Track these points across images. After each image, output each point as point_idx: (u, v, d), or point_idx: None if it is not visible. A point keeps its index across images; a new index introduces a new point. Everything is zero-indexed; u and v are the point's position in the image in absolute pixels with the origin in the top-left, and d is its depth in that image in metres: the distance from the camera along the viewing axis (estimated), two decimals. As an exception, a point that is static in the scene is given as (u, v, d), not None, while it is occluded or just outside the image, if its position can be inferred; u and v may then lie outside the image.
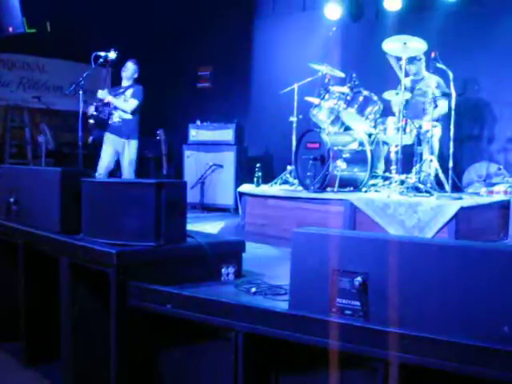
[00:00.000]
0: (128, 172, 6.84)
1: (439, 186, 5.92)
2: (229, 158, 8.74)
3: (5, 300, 4.11)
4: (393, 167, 6.14)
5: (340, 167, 5.98)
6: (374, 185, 6.29)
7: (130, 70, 7.00)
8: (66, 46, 8.91)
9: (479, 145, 6.99)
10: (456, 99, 5.57)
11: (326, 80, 6.76)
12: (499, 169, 6.64)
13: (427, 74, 6.51)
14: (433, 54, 5.74)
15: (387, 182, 6.14)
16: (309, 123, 6.94)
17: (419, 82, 6.53)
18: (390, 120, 6.07)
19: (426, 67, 6.48)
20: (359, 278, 2.15)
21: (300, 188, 6.36)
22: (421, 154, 6.06)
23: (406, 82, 6.26)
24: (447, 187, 5.64)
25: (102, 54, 6.16)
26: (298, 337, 2.30)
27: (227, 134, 8.94)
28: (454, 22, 6.86)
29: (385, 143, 6.49)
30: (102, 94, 6.86)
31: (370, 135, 6.45)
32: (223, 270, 3.19)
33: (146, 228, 2.98)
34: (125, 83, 7.05)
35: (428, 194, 5.51)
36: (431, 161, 5.96)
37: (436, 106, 5.90)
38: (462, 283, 1.95)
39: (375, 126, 6.29)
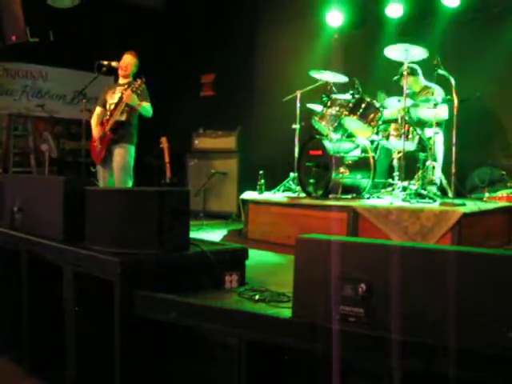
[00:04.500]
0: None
1: (442, 192, 5.91)
2: (232, 166, 8.77)
3: (8, 308, 4.12)
4: (395, 174, 6.14)
5: (343, 174, 5.99)
6: (376, 191, 6.29)
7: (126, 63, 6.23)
8: (69, 55, 8.94)
9: (482, 150, 6.98)
10: (458, 105, 5.58)
11: (329, 87, 6.78)
12: (502, 174, 6.63)
13: (427, 83, 6.51)
14: (435, 61, 5.75)
15: (390, 189, 6.14)
16: (311, 130, 6.95)
17: (420, 91, 6.53)
18: (393, 126, 6.07)
19: (429, 74, 6.48)
20: (363, 285, 2.15)
21: (303, 195, 6.36)
22: (423, 161, 6.06)
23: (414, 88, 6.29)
24: (450, 193, 5.64)
25: (105, 62, 6.15)
26: (302, 344, 2.30)
27: (230, 141, 8.97)
28: (456, 28, 6.87)
29: (387, 150, 6.49)
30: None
31: (372, 142, 6.46)
32: (226, 277, 3.19)
33: (149, 236, 2.99)
34: (121, 81, 6.28)
35: (431, 201, 5.50)
36: (434, 167, 5.96)
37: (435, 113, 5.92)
38: (466, 289, 1.94)
39: (378, 133, 6.30)
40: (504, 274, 1.89)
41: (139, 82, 5.87)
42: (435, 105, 5.88)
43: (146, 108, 6.04)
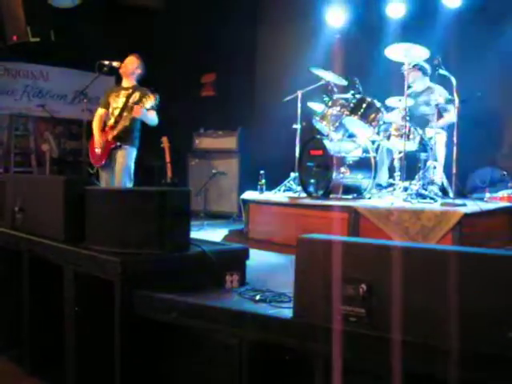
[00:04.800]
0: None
1: (443, 192, 5.91)
2: (232, 166, 8.77)
3: (9, 307, 4.12)
4: (396, 174, 6.14)
5: (344, 174, 5.98)
6: (377, 191, 6.28)
7: (129, 64, 6.16)
8: (70, 55, 8.95)
9: (483, 150, 6.97)
10: (459, 105, 5.58)
11: (330, 87, 6.77)
12: (503, 174, 6.63)
13: (431, 84, 6.50)
14: (436, 61, 5.75)
15: (391, 189, 6.14)
16: (312, 130, 6.95)
17: (423, 91, 6.52)
18: (394, 126, 6.07)
19: (429, 75, 6.47)
20: (364, 285, 2.15)
21: (304, 195, 6.36)
22: (424, 161, 6.06)
23: (410, 89, 6.27)
24: (451, 193, 5.64)
25: (106, 62, 6.12)
26: (303, 344, 2.29)
27: (231, 141, 8.96)
28: (458, 28, 6.85)
29: (388, 150, 6.48)
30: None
31: (373, 142, 6.45)
32: (227, 277, 3.18)
33: (150, 236, 2.98)
34: (125, 84, 6.23)
35: (432, 201, 5.50)
36: (435, 167, 5.95)
37: (441, 115, 5.91)
38: (467, 289, 1.94)
39: (379, 133, 6.29)
40: (505, 274, 1.89)
41: (152, 97, 5.83)
42: (440, 114, 5.90)
43: (153, 119, 6.03)
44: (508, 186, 6.31)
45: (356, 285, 2.16)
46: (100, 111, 6.21)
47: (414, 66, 6.18)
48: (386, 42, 6.23)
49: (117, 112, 6.02)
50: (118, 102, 6.07)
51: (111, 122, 6.04)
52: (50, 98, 10.02)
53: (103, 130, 6.09)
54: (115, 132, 5.95)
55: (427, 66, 6.39)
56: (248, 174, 8.35)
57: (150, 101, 5.82)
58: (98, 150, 6.06)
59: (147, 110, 5.88)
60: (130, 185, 6.03)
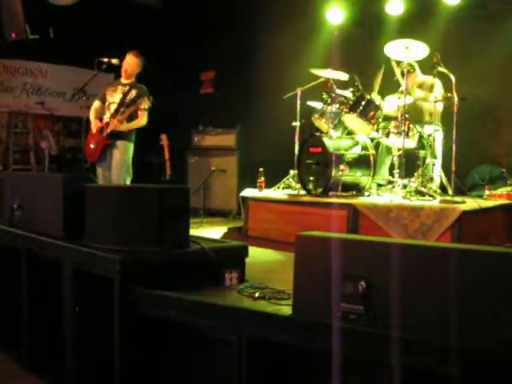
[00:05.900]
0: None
1: (442, 189, 5.91)
2: (232, 163, 8.77)
3: (7, 305, 4.11)
4: (395, 171, 6.14)
5: (343, 171, 5.98)
6: (376, 189, 6.29)
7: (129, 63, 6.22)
8: (69, 52, 8.94)
9: (482, 148, 6.98)
10: (459, 102, 5.58)
11: (329, 84, 6.76)
12: (502, 172, 6.63)
13: (428, 79, 6.50)
14: (435, 58, 5.75)
15: (390, 186, 6.14)
16: (311, 128, 6.94)
17: (420, 87, 6.53)
18: (393, 124, 6.07)
19: (428, 71, 6.47)
20: (363, 283, 2.15)
21: (303, 192, 6.36)
22: (423, 158, 6.06)
23: (409, 85, 6.26)
24: (450, 191, 5.64)
25: (105, 59, 6.13)
26: (302, 342, 2.29)
27: (230, 138, 8.97)
28: (456, 25, 6.86)
29: (387, 147, 6.48)
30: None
31: (372, 139, 6.45)
32: (226, 274, 3.18)
33: (149, 234, 2.98)
34: (124, 81, 6.29)
35: (431, 198, 5.50)
36: (434, 164, 5.96)
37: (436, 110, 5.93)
38: (466, 287, 1.94)
39: (378, 130, 6.29)
40: (504, 271, 1.89)
41: (147, 101, 5.91)
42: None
43: (140, 123, 6.07)
44: (507, 184, 6.31)
45: (355, 282, 2.16)
46: (96, 104, 6.27)
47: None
48: (385, 39, 6.23)
49: (113, 107, 6.06)
50: (114, 97, 6.10)
51: (107, 117, 6.06)
52: (49, 95, 10.01)
53: (99, 120, 6.17)
54: (111, 128, 5.96)
55: (412, 63, 6.37)
56: (247, 171, 8.36)
57: (145, 103, 5.87)
58: (92, 146, 6.10)
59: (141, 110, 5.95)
60: (129, 180, 6.05)
